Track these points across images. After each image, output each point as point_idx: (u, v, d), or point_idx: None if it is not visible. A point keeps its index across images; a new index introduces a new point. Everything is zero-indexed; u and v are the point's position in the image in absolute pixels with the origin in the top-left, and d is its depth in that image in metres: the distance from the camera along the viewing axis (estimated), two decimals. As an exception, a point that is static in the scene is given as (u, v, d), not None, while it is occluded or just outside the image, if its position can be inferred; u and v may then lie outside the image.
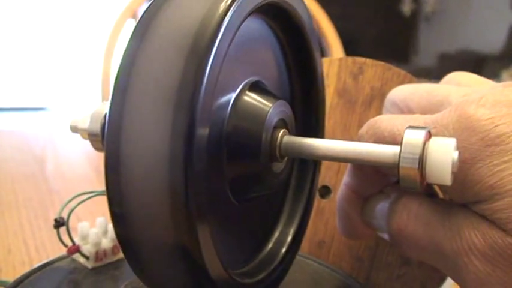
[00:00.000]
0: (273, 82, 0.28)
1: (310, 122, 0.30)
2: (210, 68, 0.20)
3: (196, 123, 0.19)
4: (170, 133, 0.19)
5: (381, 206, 0.29)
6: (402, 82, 0.36)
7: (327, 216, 0.36)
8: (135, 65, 0.20)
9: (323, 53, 1.07)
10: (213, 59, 0.20)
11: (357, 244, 0.35)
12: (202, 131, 0.20)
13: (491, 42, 3.55)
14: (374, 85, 0.37)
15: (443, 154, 0.22)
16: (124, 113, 0.20)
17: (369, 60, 0.38)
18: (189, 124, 0.19)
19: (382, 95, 0.36)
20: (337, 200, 0.31)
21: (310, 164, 0.30)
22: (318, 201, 0.37)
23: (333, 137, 0.37)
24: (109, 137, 0.20)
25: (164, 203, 0.19)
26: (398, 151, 0.22)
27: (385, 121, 0.27)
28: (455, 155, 0.22)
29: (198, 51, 0.19)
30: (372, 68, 0.37)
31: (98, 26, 3.33)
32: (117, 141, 0.20)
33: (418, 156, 0.22)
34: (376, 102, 0.37)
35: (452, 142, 0.22)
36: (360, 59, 0.38)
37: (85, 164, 0.78)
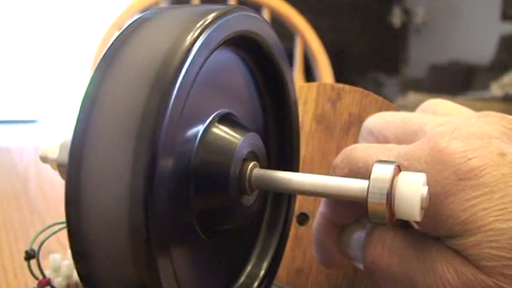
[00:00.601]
0: (245, 113, 0.27)
1: (285, 153, 0.30)
2: (174, 100, 0.19)
3: (158, 156, 0.19)
4: (130, 167, 0.19)
5: (357, 236, 0.29)
6: (380, 108, 0.36)
7: (305, 244, 0.36)
8: (99, 96, 0.20)
9: (310, 69, 1.07)
10: (177, 91, 0.19)
11: (335, 273, 0.35)
12: (164, 165, 0.19)
13: (481, 54, 3.58)
14: (352, 111, 0.37)
15: (412, 190, 0.21)
16: (85, 146, 0.20)
17: (347, 87, 0.37)
18: (149, 157, 0.18)
19: (360, 121, 0.36)
20: (313, 230, 0.31)
21: (285, 195, 0.30)
22: (296, 229, 0.36)
23: (311, 163, 0.36)
24: (69, 172, 0.20)
25: (124, 241, 0.19)
26: (366, 186, 0.22)
27: (359, 151, 0.27)
28: (424, 190, 0.22)
29: (161, 83, 0.19)
30: (350, 94, 0.37)
31: (88, 38, 3.33)
32: (77, 176, 0.19)
33: (386, 192, 0.22)
34: (354, 128, 0.37)
35: (422, 177, 0.22)
36: (338, 85, 0.38)
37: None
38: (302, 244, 0.36)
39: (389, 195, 0.22)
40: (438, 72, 3.71)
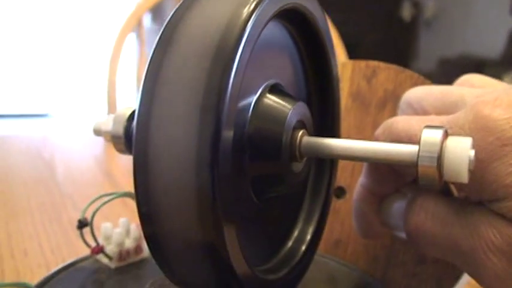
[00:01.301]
0: (291, 84, 0.28)
1: (326, 123, 0.31)
2: (235, 72, 0.20)
3: (222, 126, 0.20)
4: (197, 136, 0.20)
5: (398, 206, 0.30)
6: (415, 84, 0.37)
7: (342, 216, 0.37)
8: (162, 70, 0.21)
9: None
10: (237, 64, 0.20)
11: (372, 243, 0.36)
12: (228, 134, 0.20)
13: (491, 47, 3.56)
14: (387, 88, 0.38)
15: (461, 152, 0.22)
16: (152, 116, 0.21)
17: (382, 64, 0.38)
18: (215, 127, 0.20)
19: (396, 98, 0.37)
20: (353, 201, 0.32)
21: (326, 164, 0.31)
22: (333, 202, 0.37)
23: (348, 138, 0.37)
24: (137, 139, 0.21)
25: (191, 204, 0.20)
26: (416, 150, 0.23)
27: (401, 122, 0.28)
28: (471, 153, 0.23)
29: (222, 56, 0.20)
30: (385, 71, 0.38)
31: (102, 32, 3.35)
32: (145, 143, 0.21)
33: (436, 155, 0.22)
34: (389, 104, 0.38)
35: (468, 141, 0.23)
36: (373, 63, 0.39)
37: (94, 168, 0.79)
38: (340, 216, 0.37)
39: (439, 158, 0.23)
40: (448, 66, 3.69)
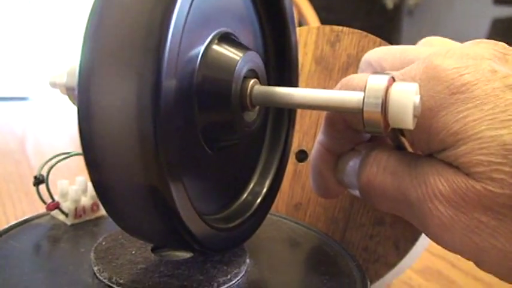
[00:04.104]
0: (245, 35, 0.28)
1: (284, 77, 0.31)
2: (177, 13, 0.20)
3: (163, 68, 0.19)
4: (137, 80, 0.19)
5: (353, 163, 0.30)
6: (377, 48, 0.37)
7: (303, 179, 0.37)
8: (103, 14, 0.21)
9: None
10: (180, 5, 0.20)
11: (332, 206, 0.36)
12: (170, 77, 0.20)
13: (473, 36, 3.57)
14: (350, 52, 0.38)
15: (405, 97, 0.22)
16: (94, 62, 0.20)
17: (345, 29, 0.38)
18: (156, 69, 0.19)
19: (359, 62, 0.37)
20: (311, 159, 0.32)
21: (285, 116, 0.31)
22: (295, 165, 0.37)
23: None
24: (80, 86, 0.21)
25: (134, 150, 0.20)
26: (362, 96, 0.23)
27: (357, 78, 0.28)
28: (416, 98, 0.23)
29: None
30: (349, 36, 0.38)
31: (83, 15, 3.30)
32: (87, 89, 0.20)
33: (380, 100, 0.22)
34: (352, 69, 0.38)
35: (413, 86, 0.23)
36: (337, 28, 0.39)
37: (67, 144, 0.78)
38: (301, 180, 0.37)
39: (384, 104, 0.23)
40: (430, 55, 3.71)
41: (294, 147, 0.37)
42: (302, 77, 0.38)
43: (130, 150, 0.20)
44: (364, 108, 0.23)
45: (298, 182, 0.37)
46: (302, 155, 0.38)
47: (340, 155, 0.31)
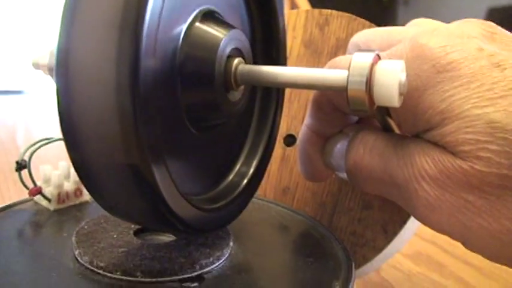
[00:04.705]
0: (231, 14, 0.28)
1: (271, 56, 0.30)
2: None
3: (141, 44, 0.19)
4: (116, 56, 0.19)
5: (340, 146, 0.30)
6: (366, 31, 0.37)
7: (291, 163, 0.37)
8: None
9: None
10: None
11: (320, 190, 0.36)
12: (149, 57, 0.20)
13: (469, 27, 3.57)
14: (339, 36, 0.37)
15: (390, 75, 0.22)
16: (72, 38, 0.20)
17: (334, 12, 0.38)
18: (134, 45, 0.19)
19: (347, 45, 0.37)
20: (298, 141, 0.31)
21: (273, 95, 0.31)
22: (283, 150, 0.37)
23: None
24: (58, 66, 0.20)
25: (113, 126, 0.19)
26: (346, 74, 0.22)
27: (344, 60, 0.28)
28: (402, 76, 0.22)
29: None
30: (338, 19, 0.38)
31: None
32: (66, 67, 0.20)
33: (365, 78, 0.22)
34: (341, 52, 0.37)
35: (399, 63, 0.22)
36: (326, 11, 0.38)
37: (60, 135, 0.78)
38: (289, 164, 0.37)
39: (369, 81, 0.22)
40: (426, 45, 3.70)
41: (282, 132, 0.37)
42: (291, 61, 0.38)
43: (110, 129, 0.20)
44: (349, 86, 0.22)
45: (286, 167, 0.37)
46: (290, 140, 0.37)
47: (328, 137, 0.31)
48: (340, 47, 0.37)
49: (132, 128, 0.19)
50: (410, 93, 0.24)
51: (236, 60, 0.25)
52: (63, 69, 0.20)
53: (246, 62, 0.26)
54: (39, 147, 0.31)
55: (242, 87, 0.26)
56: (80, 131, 0.20)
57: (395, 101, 0.22)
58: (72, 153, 0.21)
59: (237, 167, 0.29)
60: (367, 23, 0.37)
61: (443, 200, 0.23)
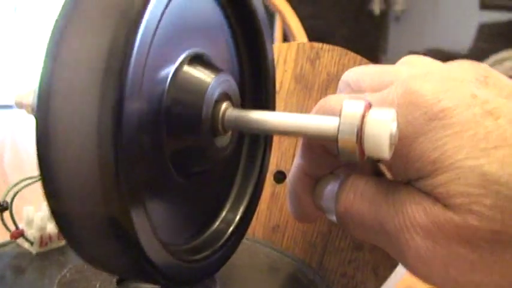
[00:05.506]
0: (220, 57, 0.27)
1: (260, 99, 0.30)
2: (142, 35, 0.19)
3: (125, 93, 0.18)
4: (98, 104, 0.18)
5: (331, 187, 0.29)
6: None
7: (281, 201, 0.36)
8: (66, 33, 0.20)
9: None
10: (144, 26, 0.19)
11: (310, 229, 0.35)
12: (134, 102, 0.19)
13: (459, 42, 3.60)
14: (330, 70, 0.37)
15: (381, 126, 0.21)
16: (53, 83, 0.19)
17: (325, 46, 0.38)
18: (118, 94, 0.18)
19: (339, 80, 0.36)
20: (288, 182, 0.31)
21: (261, 140, 0.30)
22: (273, 186, 0.36)
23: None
24: (39, 109, 0.19)
25: (94, 176, 0.19)
26: (337, 124, 0.22)
27: (333, 100, 0.27)
28: (393, 126, 0.22)
29: (128, 17, 0.19)
30: (329, 53, 0.37)
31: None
32: (47, 113, 0.19)
33: (356, 128, 0.21)
34: (332, 87, 0.37)
35: (390, 113, 0.22)
36: (317, 44, 0.38)
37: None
38: (279, 201, 0.36)
39: (359, 132, 0.22)
40: (417, 61, 3.72)
41: (272, 168, 0.36)
42: (281, 95, 0.37)
43: (90, 178, 0.19)
44: (339, 136, 0.22)
45: (276, 204, 0.36)
46: (280, 176, 0.37)
47: (318, 179, 0.30)
48: (331, 82, 0.37)
49: (113, 179, 0.19)
50: (402, 141, 0.23)
51: (224, 105, 0.24)
52: (43, 114, 0.19)
53: (234, 106, 0.25)
54: (22, 187, 0.30)
55: (230, 132, 0.25)
56: (58, 179, 0.19)
57: (386, 153, 0.22)
58: (51, 201, 0.20)
59: (223, 213, 0.29)
60: (359, 57, 0.37)
61: (434, 252, 0.23)
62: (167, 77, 0.23)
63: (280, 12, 1.04)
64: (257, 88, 0.30)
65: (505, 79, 0.25)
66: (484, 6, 3.70)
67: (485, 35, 3.58)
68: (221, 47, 0.27)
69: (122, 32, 0.19)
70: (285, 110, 0.37)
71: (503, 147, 0.22)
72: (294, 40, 1.03)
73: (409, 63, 0.30)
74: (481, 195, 0.21)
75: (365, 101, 0.22)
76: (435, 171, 0.22)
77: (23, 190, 0.31)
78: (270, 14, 1.05)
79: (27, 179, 0.31)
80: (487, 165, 0.21)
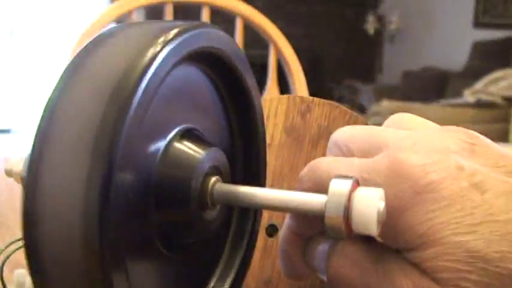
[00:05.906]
0: (210, 129, 0.27)
1: (252, 170, 0.30)
2: (132, 113, 0.19)
3: (113, 169, 0.19)
4: (85, 181, 0.18)
5: (322, 248, 0.29)
6: (348, 121, 0.37)
7: (274, 255, 0.36)
8: (58, 110, 0.20)
9: (285, 78, 1.08)
10: (135, 105, 0.19)
11: (303, 284, 0.35)
12: (121, 178, 0.19)
13: (454, 60, 3.64)
14: (321, 123, 0.37)
15: (369, 205, 0.22)
16: (42, 161, 0.19)
17: (316, 99, 0.38)
18: (105, 171, 0.18)
19: (329, 134, 0.36)
20: (279, 242, 0.31)
21: (250, 213, 0.30)
22: (265, 240, 0.36)
23: (281, 175, 0.37)
24: (26, 185, 0.20)
25: (78, 256, 0.19)
26: (325, 201, 0.22)
27: (324, 164, 0.27)
28: (380, 205, 0.22)
29: (119, 96, 0.19)
30: (319, 107, 0.38)
31: (61, 47, 3.29)
32: (34, 190, 0.19)
33: (342, 207, 0.22)
34: (323, 140, 0.37)
35: (378, 192, 0.22)
36: (308, 98, 0.38)
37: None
38: (271, 255, 0.36)
39: (346, 210, 0.22)
40: (412, 79, 3.75)
41: (264, 222, 0.36)
42: (272, 149, 0.37)
43: (73, 258, 0.19)
44: (326, 214, 0.22)
45: (268, 258, 0.36)
46: (272, 230, 0.37)
47: (309, 238, 0.30)
48: (322, 135, 0.37)
49: (97, 256, 0.19)
50: (390, 212, 0.24)
51: (213, 180, 0.25)
52: (32, 189, 0.19)
53: (224, 179, 0.26)
54: (14, 251, 0.30)
55: (219, 206, 0.26)
56: (43, 257, 0.19)
57: (373, 230, 0.22)
58: (35, 281, 0.20)
59: (211, 284, 0.29)
60: (349, 111, 0.37)
61: None
62: (158, 153, 0.23)
63: (274, 43, 1.05)
64: (248, 159, 0.30)
65: (491, 145, 0.26)
66: (478, 24, 3.74)
67: (479, 53, 3.61)
68: (212, 120, 0.28)
69: (111, 113, 0.19)
70: (276, 162, 0.37)
71: (489, 222, 0.22)
72: (288, 70, 1.04)
73: (397, 124, 0.30)
74: (468, 272, 0.22)
75: (352, 179, 0.23)
76: (423, 244, 0.23)
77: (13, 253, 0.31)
78: (264, 44, 1.06)
79: (17, 240, 0.32)
80: (473, 241, 0.22)
